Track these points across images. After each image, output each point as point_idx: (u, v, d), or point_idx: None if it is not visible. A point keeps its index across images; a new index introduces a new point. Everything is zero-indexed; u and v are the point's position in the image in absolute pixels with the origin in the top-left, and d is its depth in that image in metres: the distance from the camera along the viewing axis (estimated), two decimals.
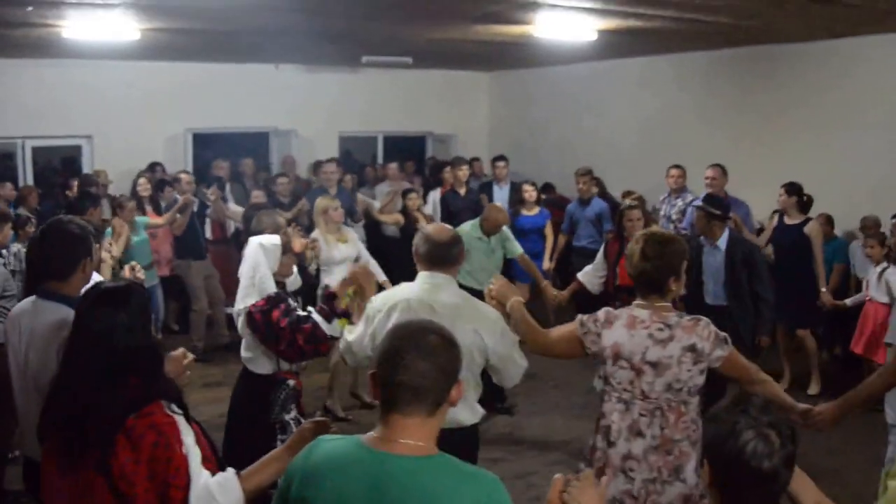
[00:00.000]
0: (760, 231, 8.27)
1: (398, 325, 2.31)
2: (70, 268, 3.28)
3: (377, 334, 3.71)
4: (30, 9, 6.49)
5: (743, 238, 6.66)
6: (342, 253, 7.00)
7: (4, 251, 6.22)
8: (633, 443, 3.39)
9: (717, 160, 8.28)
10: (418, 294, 3.78)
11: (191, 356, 3.27)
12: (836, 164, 8.49)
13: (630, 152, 10.75)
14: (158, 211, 8.99)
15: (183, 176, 9.43)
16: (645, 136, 10.83)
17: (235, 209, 9.33)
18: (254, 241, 4.43)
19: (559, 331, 3.67)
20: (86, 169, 11.10)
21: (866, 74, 8.30)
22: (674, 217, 8.73)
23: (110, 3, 6.30)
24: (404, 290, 3.90)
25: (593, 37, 8.12)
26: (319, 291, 6.33)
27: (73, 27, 7.42)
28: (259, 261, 4.37)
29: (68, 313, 2.96)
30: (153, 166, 10.55)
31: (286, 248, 4.55)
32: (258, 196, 9.29)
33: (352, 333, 3.97)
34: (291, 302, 4.40)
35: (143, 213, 8.70)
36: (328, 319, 4.16)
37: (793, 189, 7.50)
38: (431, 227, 4.06)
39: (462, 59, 11.33)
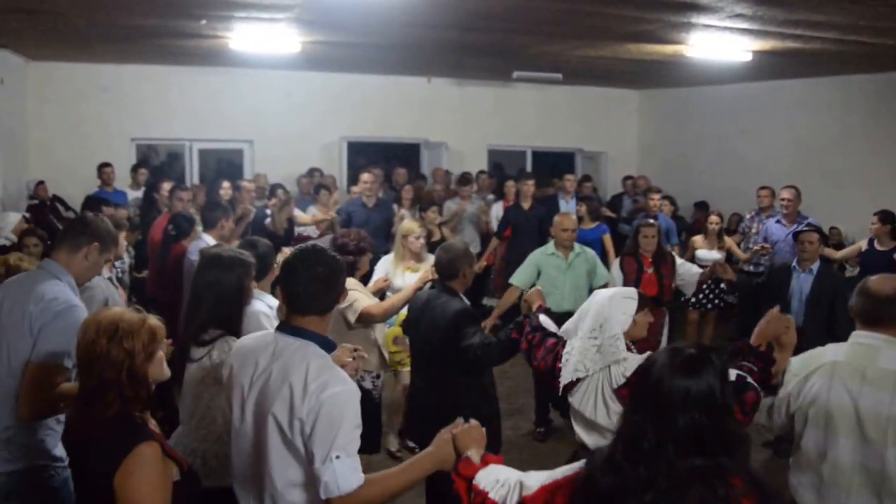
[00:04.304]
0: None
1: None
2: (330, 304, 2.82)
3: (791, 399, 3.15)
4: (203, 21, 6.93)
5: (831, 268, 6.99)
6: (407, 284, 5.36)
7: (118, 262, 6.13)
8: None
9: (881, 189, 8.02)
10: (847, 356, 3.07)
11: (360, 351, 3.21)
12: None
13: (783, 176, 10.39)
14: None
15: (245, 184, 8.82)
16: (799, 161, 10.45)
17: (304, 217, 8.89)
18: (604, 292, 3.54)
19: None
20: (246, 172, 11.67)
21: None
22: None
23: (275, 17, 6.64)
24: (830, 350, 3.15)
25: (748, 58, 7.93)
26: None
27: (240, 39, 7.87)
28: (608, 315, 3.34)
29: (324, 361, 2.65)
30: (312, 171, 10.94)
31: (644, 300, 3.48)
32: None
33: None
34: None
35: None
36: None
37: (886, 217, 7.67)
38: (873, 279, 3.19)
39: (612, 76, 11.25)
